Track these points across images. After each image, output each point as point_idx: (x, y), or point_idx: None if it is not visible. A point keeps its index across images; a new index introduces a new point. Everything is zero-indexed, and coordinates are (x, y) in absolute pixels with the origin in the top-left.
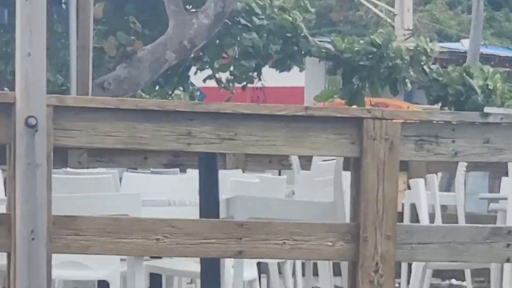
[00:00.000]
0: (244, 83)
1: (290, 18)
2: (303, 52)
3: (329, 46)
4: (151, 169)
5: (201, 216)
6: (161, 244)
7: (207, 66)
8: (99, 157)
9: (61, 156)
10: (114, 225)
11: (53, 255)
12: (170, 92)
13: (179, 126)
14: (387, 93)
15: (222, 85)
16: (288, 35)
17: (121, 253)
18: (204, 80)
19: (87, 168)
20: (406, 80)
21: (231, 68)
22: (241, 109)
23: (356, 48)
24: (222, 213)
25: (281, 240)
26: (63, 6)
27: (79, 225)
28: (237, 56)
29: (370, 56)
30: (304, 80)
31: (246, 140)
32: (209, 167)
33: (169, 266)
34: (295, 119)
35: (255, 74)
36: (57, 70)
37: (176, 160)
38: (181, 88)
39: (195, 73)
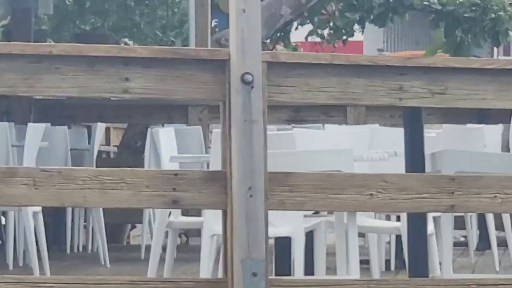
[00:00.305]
0: (345, 37)
1: None
2: (406, 5)
3: None
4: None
5: (406, 170)
6: (374, 199)
7: (308, 21)
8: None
9: (181, 113)
10: (328, 181)
11: None
12: (271, 48)
13: (390, 81)
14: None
15: (325, 40)
16: None
17: (335, 209)
18: (307, 37)
19: (208, 125)
20: (509, 31)
21: (331, 23)
22: (452, 63)
23: (459, 0)
24: (428, 168)
25: (492, 194)
26: None
27: (293, 181)
28: (340, 9)
29: (473, 8)
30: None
31: (456, 94)
32: (414, 122)
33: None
34: (504, 73)
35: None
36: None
37: (297, 116)
38: (282, 43)
39: (296, 28)
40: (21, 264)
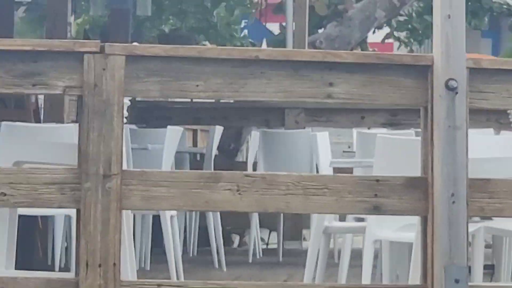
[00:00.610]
0: (421, 38)
1: None
2: (486, 9)
3: (511, 2)
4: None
5: None
6: None
7: (385, 25)
8: (317, 116)
9: (277, 115)
10: None
11: None
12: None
13: None
14: None
15: (401, 43)
16: None
17: None
18: (383, 40)
19: (304, 128)
20: None
21: (410, 25)
22: None
23: None
24: None
25: None
26: None
27: (493, 188)
28: (419, 11)
29: None
30: None
31: None
32: None
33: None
34: None
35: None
36: None
37: (393, 119)
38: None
39: (373, 32)
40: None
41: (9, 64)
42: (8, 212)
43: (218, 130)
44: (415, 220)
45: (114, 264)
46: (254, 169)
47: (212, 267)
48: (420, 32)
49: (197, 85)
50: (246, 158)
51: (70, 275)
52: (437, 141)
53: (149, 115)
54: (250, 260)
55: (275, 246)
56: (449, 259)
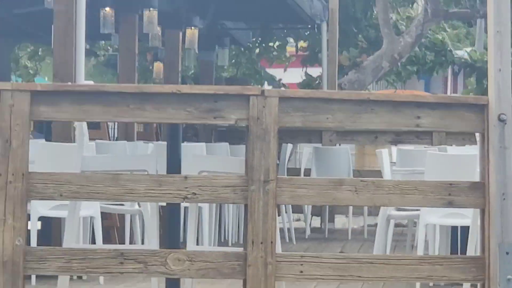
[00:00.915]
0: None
1: (440, 37)
2: (449, 61)
3: (467, 57)
4: None
5: None
6: None
7: None
8: (344, 136)
9: (317, 135)
10: None
11: None
12: None
13: None
14: None
15: (388, 83)
16: (438, 49)
17: None
18: (377, 81)
19: (335, 145)
20: None
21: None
22: None
23: (485, 59)
24: None
25: None
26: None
27: None
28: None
29: None
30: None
31: None
32: None
33: None
34: None
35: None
36: None
37: (398, 138)
38: None
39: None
40: None
41: (197, 103)
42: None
43: (289, 146)
44: (453, 211)
45: (271, 242)
46: (306, 174)
47: (284, 241)
48: (403, 76)
49: (327, 118)
50: (299, 165)
51: (240, 249)
52: (491, 157)
53: (230, 135)
54: (306, 236)
55: (318, 225)
56: (501, 238)
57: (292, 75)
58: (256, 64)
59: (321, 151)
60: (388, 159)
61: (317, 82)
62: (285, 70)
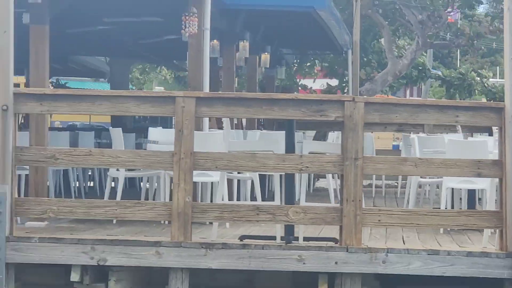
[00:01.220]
0: (394, 91)
1: (422, 60)
2: (428, 76)
3: (440, 73)
4: None
5: None
6: None
7: None
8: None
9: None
10: None
11: None
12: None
13: None
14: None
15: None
16: (420, 68)
17: None
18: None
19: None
20: (476, 90)
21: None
22: None
23: (453, 75)
24: None
25: None
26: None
27: None
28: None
29: (460, 77)
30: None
31: None
32: None
33: None
34: None
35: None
36: None
37: (401, 128)
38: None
39: None
40: None
41: (308, 106)
42: None
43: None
44: (465, 179)
45: (359, 200)
46: None
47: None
48: (395, 88)
49: (396, 116)
50: None
51: (337, 205)
52: (507, 143)
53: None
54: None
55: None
56: None
57: (318, 84)
58: (294, 77)
59: None
60: (415, 142)
61: (334, 89)
62: (314, 81)
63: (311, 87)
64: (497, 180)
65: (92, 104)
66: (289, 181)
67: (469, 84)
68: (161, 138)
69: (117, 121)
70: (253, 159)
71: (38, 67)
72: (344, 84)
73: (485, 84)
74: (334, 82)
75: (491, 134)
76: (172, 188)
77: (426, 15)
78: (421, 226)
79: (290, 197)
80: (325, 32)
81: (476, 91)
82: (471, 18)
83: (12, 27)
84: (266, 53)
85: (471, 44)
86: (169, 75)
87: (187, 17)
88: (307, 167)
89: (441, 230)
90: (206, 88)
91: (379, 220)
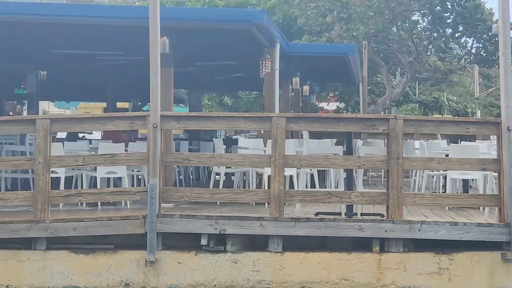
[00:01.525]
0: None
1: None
2: (410, 99)
3: (419, 98)
4: None
5: None
6: None
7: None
8: (376, 137)
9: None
10: None
11: None
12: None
13: None
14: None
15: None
16: (404, 95)
17: None
18: (369, 105)
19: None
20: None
21: None
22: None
23: (428, 99)
24: None
25: None
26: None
27: None
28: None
29: (434, 99)
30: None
31: None
32: None
33: None
34: None
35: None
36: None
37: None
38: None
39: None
40: None
41: (364, 122)
42: None
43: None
44: (466, 171)
45: (400, 187)
46: None
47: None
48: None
49: (425, 128)
50: None
51: (384, 191)
52: (503, 146)
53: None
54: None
55: None
56: (509, 185)
57: (330, 106)
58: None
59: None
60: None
61: (341, 110)
62: (328, 104)
63: (326, 109)
64: (486, 172)
65: (214, 122)
66: (349, 174)
67: (440, 106)
68: (247, 145)
69: (194, 134)
70: (326, 159)
71: (165, 97)
72: (349, 107)
73: (451, 105)
74: (341, 105)
75: (473, 141)
76: (256, 180)
77: (413, 58)
78: (443, 205)
79: (350, 184)
80: (348, 70)
81: (445, 110)
82: (444, 59)
83: (159, 70)
84: (306, 85)
85: (445, 78)
86: (229, 100)
87: (263, 61)
88: (364, 164)
89: (446, 208)
90: (277, 110)
91: (414, 201)
